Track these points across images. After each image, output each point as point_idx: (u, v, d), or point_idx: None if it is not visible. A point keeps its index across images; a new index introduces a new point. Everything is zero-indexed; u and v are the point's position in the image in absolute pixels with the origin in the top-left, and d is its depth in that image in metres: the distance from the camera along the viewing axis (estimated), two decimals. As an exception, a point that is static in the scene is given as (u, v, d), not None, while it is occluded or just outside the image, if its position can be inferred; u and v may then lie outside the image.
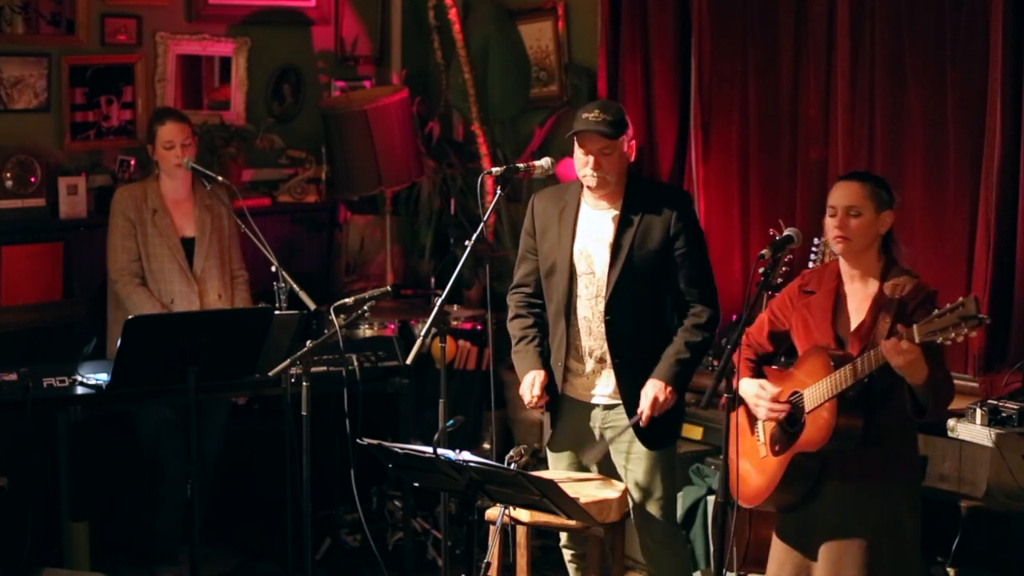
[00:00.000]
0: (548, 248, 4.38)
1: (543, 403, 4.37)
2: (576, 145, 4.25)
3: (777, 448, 3.85)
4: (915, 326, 3.47)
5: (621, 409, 4.29)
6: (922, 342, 3.47)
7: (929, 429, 4.41)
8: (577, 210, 4.34)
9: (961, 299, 3.41)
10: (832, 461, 3.76)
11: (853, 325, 3.78)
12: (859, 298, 3.81)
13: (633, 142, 4.31)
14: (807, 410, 3.76)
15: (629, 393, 4.27)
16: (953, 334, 3.39)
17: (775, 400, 3.86)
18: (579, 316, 4.34)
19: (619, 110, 4.29)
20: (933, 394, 3.58)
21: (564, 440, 4.46)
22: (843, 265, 3.86)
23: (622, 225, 4.27)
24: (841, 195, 3.80)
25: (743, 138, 5.45)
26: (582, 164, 4.25)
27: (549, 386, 4.36)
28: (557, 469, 4.49)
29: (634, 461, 4.31)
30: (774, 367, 4.01)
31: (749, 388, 3.93)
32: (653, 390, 4.20)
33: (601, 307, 4.27)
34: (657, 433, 4.27)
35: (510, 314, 4.51)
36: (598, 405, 4.35)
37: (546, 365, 4.39)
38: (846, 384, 3.65)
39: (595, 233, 4.31)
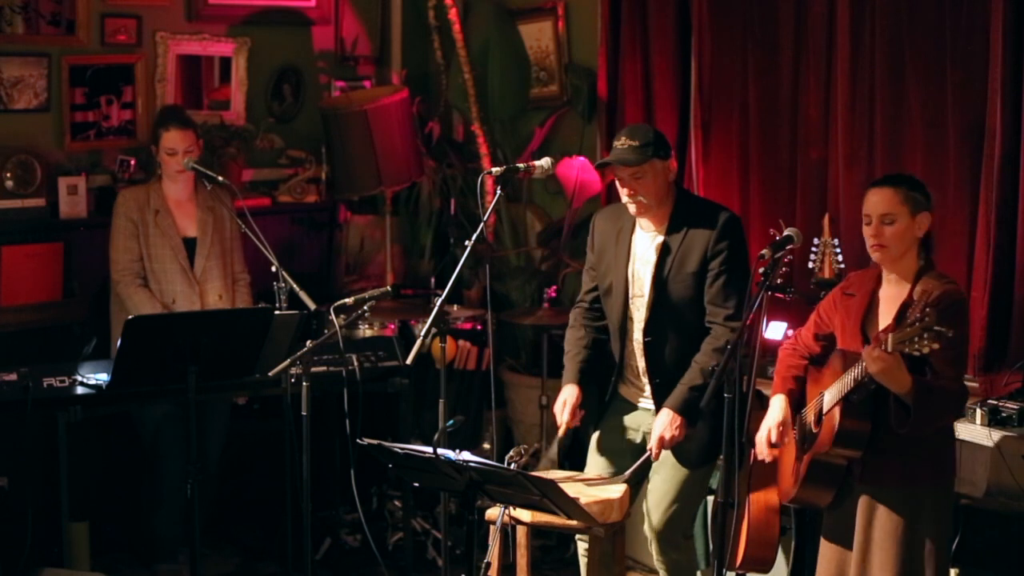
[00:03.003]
0: (605, 269, 4.45)
1: (573, 424, 4.42)
2: (616, 177, 4.32)
3: (806, 447, 3.90)
4: (890, 334, 3.48)
5: None
6: (894, 350, 3.47)
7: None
8: (632, 233, 4.40)
9: (927, 309, 3.42)
10: (856, 463, 3.76)
11: (880, 328, 3.77)
12: (891, 302, 3.79)
13: (673, 162, 4.31)
14: (824, 412, 3.79)
15: None
16: (918, 345, 3.40)
17: (772, 437, 3.95)
18: (633, 339, 4.40)
19: (647, 133, 4.29)
20: (915, 404, 3.57)
21: (610, 433, 4.50)
22: (883, 269, 3.85)
23: (664, 248, 4.31)
24: (874, 202, 3.75)
25: (743, 138, 5.45)
26: (622, 192, 4.30)
27: (586, 401, 4.41)
28: (593, 459, 4.52)
29: (666, 467, 4.37)
30: (816, 368, 4.03)
31: (774, 405, 4.01)
32: (660, 428, 4.24)
33: None
34: (692, 452, 4.32)
35: (568, 326, 4.60)
36: (647, 409, 4.40)
37: (585, 380, 4.44)
38: (848, 388, 3.67)
39: (644, 256, 4.37)
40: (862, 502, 3.78)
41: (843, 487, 3.83)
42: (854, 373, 3.65)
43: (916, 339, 3.40)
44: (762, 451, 3.97)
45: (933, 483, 3.78)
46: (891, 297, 3.80)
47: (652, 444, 4.25)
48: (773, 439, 3.94)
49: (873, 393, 3.68)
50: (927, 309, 3.41)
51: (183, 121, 5.27)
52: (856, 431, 3.69)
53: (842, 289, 3.99)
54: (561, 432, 4.46)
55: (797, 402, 4.01)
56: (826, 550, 3.94)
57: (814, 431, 3.86)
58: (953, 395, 3.67)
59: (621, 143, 4.25)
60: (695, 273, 4.27)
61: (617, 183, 4.33)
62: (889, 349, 3.48)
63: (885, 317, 3.79)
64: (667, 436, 4.22)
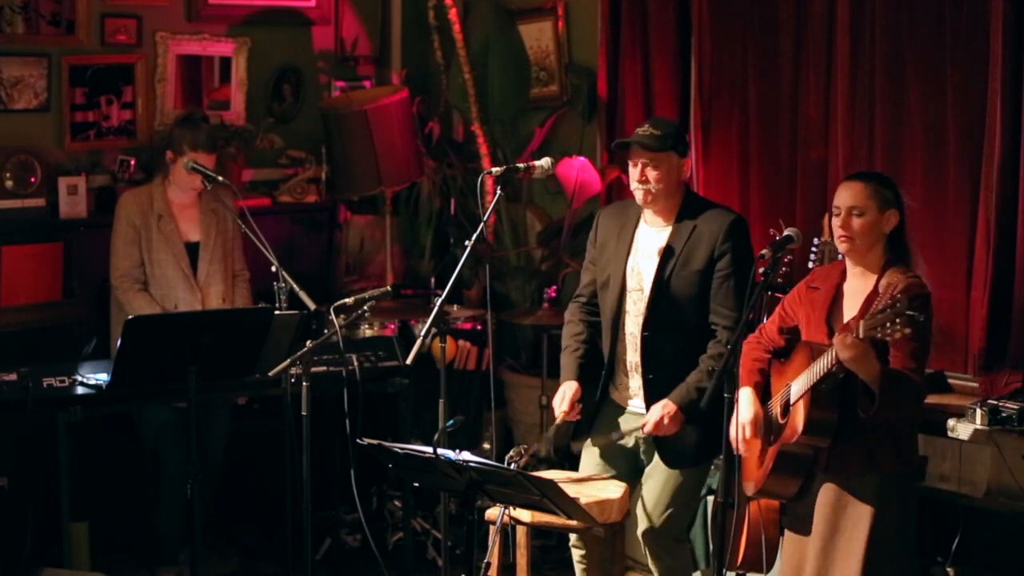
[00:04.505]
0: (605, 262, 4.46)
1: (572, 416, 4.40)
2: (629, 161, 4.32)
3: (772, 439, 3.91)
4: (861, 321, 3.51)
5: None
6: (865, 337, 3.50)
7: (929, 429, 4.42)
8: (636, 227, 4.40)
9: (899, 295, 3.45)
10: (821, 454, 3.79)
11: (845, 320, 3.81)
12: (856, 295, 3.84)
13: (688, 160, 4.34)
14: (791, 403, 3.80)
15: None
16: (890, 330, 3.43)
17: (752, 423, 3.93)
18: (626, 332, 4.40)
19: (670, 125, 4.33)
20: (882, 390, 3.60)
21: (602, 437, 4.49)
22: (848, 263, 3.90)
23: (670, 244, 4.31)
24: (844, 195, 3.83)
25: (743, 138, 5.45)
26: (632, 178, 4.31)
27: (585, 397, 4.40)
28: (587, 463, 4.51)
29: (657, 473, 4.36)
30: (779, 361, 4.03)
31: (743, 398, 3.97)
32: (661, 410, 4.24)
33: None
34: (675, 452, 4.32)
35: (565, 321, 4.61)
36: (636, 413, 4.39)
37: (584, 375, 4.43)
38: (817, 378, 3.70)
39: (647, 250, 4.37)
40: (827, 490, 3.81)
41: (808, 478, 3.85)
42: (823, 362, 3.67)
43: (888, 324, 3.43)
44: (739, 447, 3.96)
45: (898, 470, 3.81)
46: (856, 290, 3.85)
47: (648, 420, 4.24)
48: (748, 434, 3.94)
49: (842, 381, 3.71)
50: (898, 296, 3.44)
51: (213, 145, 5.25)
52: (825, 420, 3.73)
53: (807, 283, 4.03)
54: (559, 419, 4.43)
55: (763, 394, 4.03)
56: (789, 542, 3.96)
57: (780, 422, 3.88)
58: (916, 386, 3.70)
59: (644, 129, 4.28)
60: (700, 271, 4.27)
61: (630, 167, 4.32)
62: (860, 335, 3.51)
63: (850, 310, 3.82)
64: (664, 421, 4.22)
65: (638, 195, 4.31)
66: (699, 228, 4.29)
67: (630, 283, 4.38)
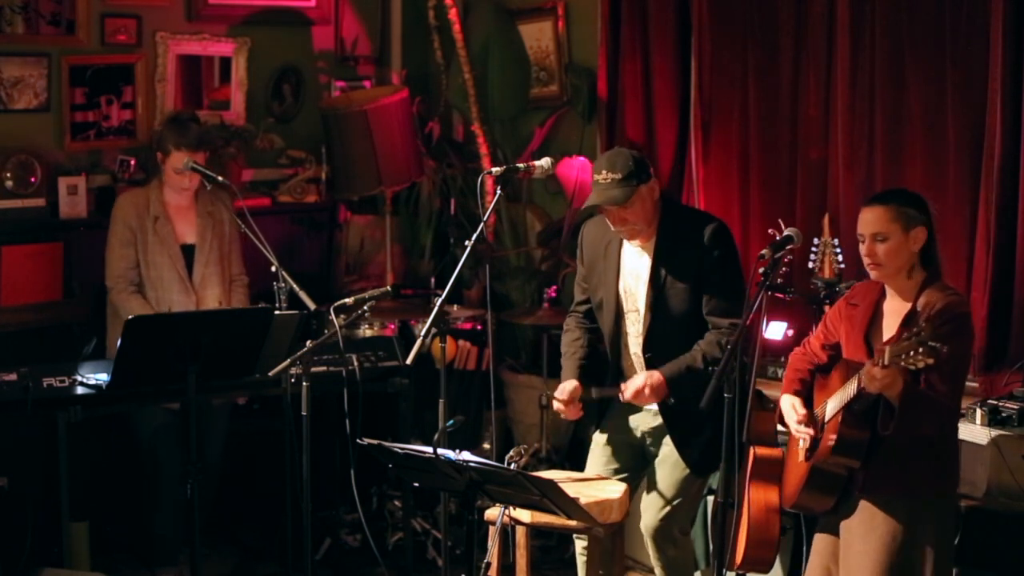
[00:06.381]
0: (596, 282, 4.45)
1: (574, 413, 4.40)
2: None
3: (808, 454, 3.91)
4: (887, 348, 3.49)
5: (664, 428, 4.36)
6: (891, 364, 3.48)
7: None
8: (620, 247, 4.39)
9: (922, 323, 3.43)
10: (857, 472, 3.77)
11: (884, 340, 3.77)
12: (894, 314, 3.80)
13: (655, 182, 4.28)
14: (826, 420, 3.80)
15: (677, 428, 4.32)
16: (912, 359, 3.41)
17: (800, 421, 3.92)
18: (630, 352, 4.40)
19: (627, 161, 4.22)
20: (901, 407, 3.58)
21: (612, 432, 4.50)
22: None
23: (656, 263, 4.30)
24: (866, 222, 3.77)
25: (743, 138, 5.45)
26: (609, 222, 4.29)
27: (585, 397, 4.40)
28: (594, 453, 4.52)
29: (666, 465, 4.36)
30: (822, 376, 4.04)
31: (784, 404, 4.00)
32: (644, 379, 4.24)
33: None
34: (697, 458, 4.32)
35: (564, 330, 4.62)
36: (649, 410, 4.39)
37: (584, 375, 4.43)
38: (850, 397, 3.68)
39: (635, 271, 4.36)
40: (862, 507, 3.79)
41: (843, 494, 3.83)
42: (856, 383, 3.66)
43: (912, 353, 3.40)
44: (802, 455, 3.95)
45: (935, 492, 3.77)
46: (894, 309, 3.81)
47: (628, 387, 4.24)
48: (809, 434, 3.91)
49: (874, 402, 3.69)
50: (922, 323, 3.42)
51: (198, 142, 5.19)
52: (855, 440, 3.71)
53: (847, 300, 4.00)
54: (557, 407, 4.42)
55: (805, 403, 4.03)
56: (819, 541, 3.95)
57: (817, 439, 3.87)
58: (941, 409, 3.67)
59: (603, 178, 4.20)
60: (690, 285, 4.26)
61: (605, 213, 4.30)
62: (886, 362, 3.49)
63: (889, 329, 3.79)
64: (645, 391, 4.22)
65: (623, 237, 4.32)
66: (682, 240, 4.27)
67: (625, 305, 4.38)
